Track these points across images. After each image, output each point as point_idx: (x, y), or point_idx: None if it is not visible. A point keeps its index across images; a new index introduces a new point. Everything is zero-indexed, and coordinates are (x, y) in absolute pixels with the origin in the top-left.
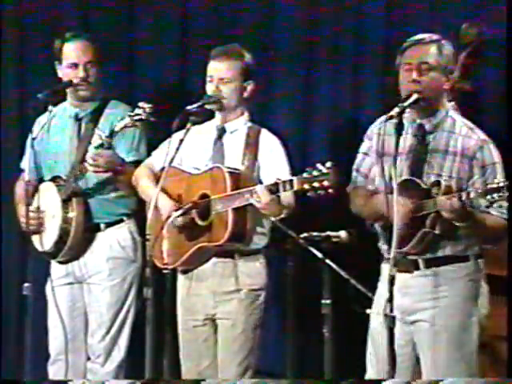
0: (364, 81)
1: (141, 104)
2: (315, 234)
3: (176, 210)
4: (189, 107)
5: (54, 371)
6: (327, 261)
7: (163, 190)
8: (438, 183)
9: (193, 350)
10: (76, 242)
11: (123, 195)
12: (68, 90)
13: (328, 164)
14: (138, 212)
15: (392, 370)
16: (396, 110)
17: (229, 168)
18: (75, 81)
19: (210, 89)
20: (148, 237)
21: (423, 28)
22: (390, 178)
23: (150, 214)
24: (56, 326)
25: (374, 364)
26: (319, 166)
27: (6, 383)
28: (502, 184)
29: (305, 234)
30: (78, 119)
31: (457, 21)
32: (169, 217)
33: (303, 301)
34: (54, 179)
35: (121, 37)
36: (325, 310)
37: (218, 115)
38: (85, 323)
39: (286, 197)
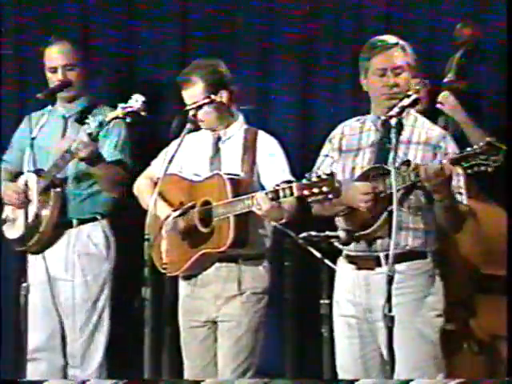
0: None
1: (134, 96)
2: (314, 234)
3: (174, 211)
4: (188, 107)
5: (32, 369)
6: (326, 261)
7: (164, 198)
8: (407, 162)
9: (192, 350)
10: (46, 234)
11: (98, 192)
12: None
13: (323, 166)
14: (114, 213)
15: (391, 370)
16: (396, 109)
17: (229, 174)
18: (56, 83)
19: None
20: (147, 237)
21: (423, 30)
22: (352, 171)
23: (148, 217)
24: (35, 323)
25: (344, 366)
26: (319, 171)
27: (6, 383)
28: (478, 150)
29: (304, 234)
30: (64, 118)
31: (457, 21)
32: (168, 216)
33: (302, 301)
34: (35, 171)
35: (120, 37)
36: (323, 310)
37: None
38: (60, 322)
39: (288, 201)
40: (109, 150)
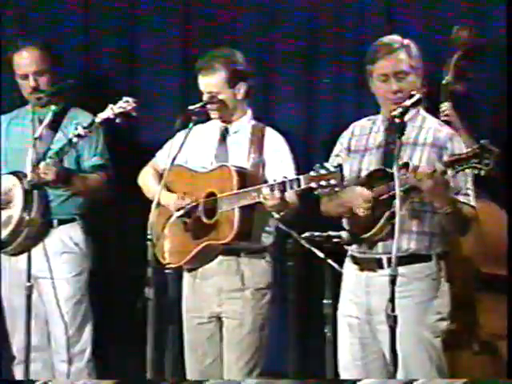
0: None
1: (125, 97)
2: (317, 233)
3: (178, 210)
4: (191, 107)
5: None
6: (329, 261)
7: (169, 189)
8: (405, 164)
9: (197, 347)
10: (32, 234)
11: (76, 194)
12: (25, 95)
13: (335, 163)
14: (92, 214)
15: (394, 370)
16: (399, 109)
17: (236, 166)
18: (28, 90)
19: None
20: (149, 237)
21: (424, 30)
22: (359, 173)
23: (152, 214)
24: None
25: (345, 366)
26: (326, 164)
27: (6, 383)
28: (471, 153)
29: (306, 234)
30: (39, 121)
31: (455, 22)
32: (170, 216)
33: (305, 301)
34: (13, 173)
35: (123, 37)
36: (326, 310)
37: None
38: (46, 320)
39: (290, 195)
40: (89, 155)
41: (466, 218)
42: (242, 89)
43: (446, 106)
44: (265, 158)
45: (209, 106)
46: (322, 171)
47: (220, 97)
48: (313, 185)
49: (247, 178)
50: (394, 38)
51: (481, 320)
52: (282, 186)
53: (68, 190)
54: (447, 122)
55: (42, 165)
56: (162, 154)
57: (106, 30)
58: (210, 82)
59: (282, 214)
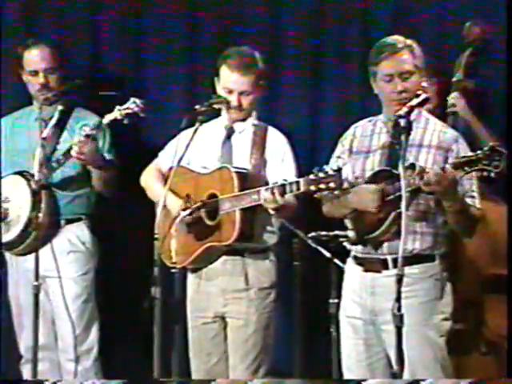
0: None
1: (132, 99)
2: (323, 233)
3: (184, 210)
4: (197, 106)
5: (27, 370)
6: (335, 260)
7: (171, 190)
8: (412, 166)
9: (202, 347)
10: (41, 234)
11: (83, 194)
12: (32, 94)
13: (334, 166)
14: (95, 213)
15: (401, 369)
16: (404, 109)
17: (236, 168)
18: (36, 87)
19: (231, 100)
20: (156, 236)
21: (432, 27)
22: (362, 174)
23: (158, 214)
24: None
25: (349, 367)
26: (326, 167)
27: (6, 383)
28: (480, 155)
29: (313, 234)
30: (43, 121)
31: (458, 20)
32: (177, 216)
33: (311, 300)
34: (20, 173)
35: (127, 36)
36: (332, 310)
37: (225, 114)
38: (52, 319)
39: (289, 197)
40: (102, 150)
41: (473, 220)
42: (265, 86)
43: (455, 95)
44: (266, 158)
45: (215, 106)
46: (321, 174)
47: (249, 98)
48: (312, 188)
49: (248, 179)
50: (398, 39)
51: (488, 321)
52: (282, 189)
53: (74, 183)
54: (454, 113)
55: (76, 141)
56: (165, 154)
57: (113, 30)
58: (247, 81)
59: (279, 214)
